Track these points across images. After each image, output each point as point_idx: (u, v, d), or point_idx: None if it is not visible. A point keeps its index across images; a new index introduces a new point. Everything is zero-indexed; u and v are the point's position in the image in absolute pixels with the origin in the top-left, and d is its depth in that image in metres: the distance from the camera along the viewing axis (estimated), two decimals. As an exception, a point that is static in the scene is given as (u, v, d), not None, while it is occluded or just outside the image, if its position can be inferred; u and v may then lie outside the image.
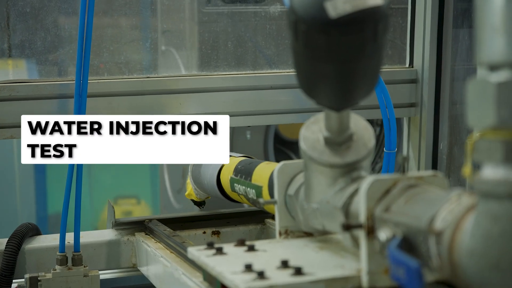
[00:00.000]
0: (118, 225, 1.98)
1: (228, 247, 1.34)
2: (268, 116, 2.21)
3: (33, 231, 1.96)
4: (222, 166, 1.89)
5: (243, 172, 1.78)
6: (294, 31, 1.15)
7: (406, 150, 2.32)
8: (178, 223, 1.99)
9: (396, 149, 2.07)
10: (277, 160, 3.22)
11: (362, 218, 1.15)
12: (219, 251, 1.32)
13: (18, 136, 1.98)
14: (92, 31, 1.80)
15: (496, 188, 0.91)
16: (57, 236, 1.90)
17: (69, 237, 1.89)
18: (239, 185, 1.79)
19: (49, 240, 1.95)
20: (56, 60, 2.21)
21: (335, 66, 1.16)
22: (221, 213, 2.06)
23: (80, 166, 1.86)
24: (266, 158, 3.35)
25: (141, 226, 1.97)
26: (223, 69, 2.28)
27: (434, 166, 2.25)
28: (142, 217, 2.00)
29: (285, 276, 1.17)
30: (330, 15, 1.11)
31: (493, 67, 0.91)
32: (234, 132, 3.27)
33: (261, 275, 1.16)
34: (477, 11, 0.93)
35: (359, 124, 1.32)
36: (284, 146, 3.69)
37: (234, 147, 3.14)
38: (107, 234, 1.98)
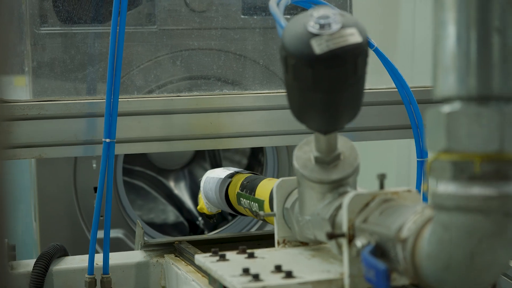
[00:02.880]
0: (147, 246, 1.97)
1: (231, 255, 1.50)
2: (303, 136, 2.21)
3: (61, 251, 1.94)
4: (230, 182, 2.05)
5: (248, 188, 1.94)
6: (285, 65, 1.32)
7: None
8: (208, 245, 1.94)
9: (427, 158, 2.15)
10: (126, 190, 2.99)
11: (344, 228, 1.32)
12: (222, 257, 1.48)
13: (46, 155, 1.96)
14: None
15: (446, 201, 1.07)
16: (85, 258, 1.88)
17: (97, 258, 1.86)
18: (245, 199, 1.94)
19: (77, 261, 1.92)
20: (85, 78, 2.20)
21: (321, 95, 1.31)
22: (252, 235, 2.08)
23: (109, 190, 1.87)
24: (115, 189, 2.95)
25: (170, 247, 1.95)
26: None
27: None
28: (171, 238, 1.99)
29: (277, 279, 1.33)
30: (315, 51, 1.28)
31: (445, 100, 1.08)
32: (77, 161, 2.81)
33: (256, 277, 1.33)
34: (433, 53, 1.09)
35: (346, 145, 1.49)
36: (132, 177, 3.46)
37: (78, 176, 2.81)
38: (136, 256, 1.96)
